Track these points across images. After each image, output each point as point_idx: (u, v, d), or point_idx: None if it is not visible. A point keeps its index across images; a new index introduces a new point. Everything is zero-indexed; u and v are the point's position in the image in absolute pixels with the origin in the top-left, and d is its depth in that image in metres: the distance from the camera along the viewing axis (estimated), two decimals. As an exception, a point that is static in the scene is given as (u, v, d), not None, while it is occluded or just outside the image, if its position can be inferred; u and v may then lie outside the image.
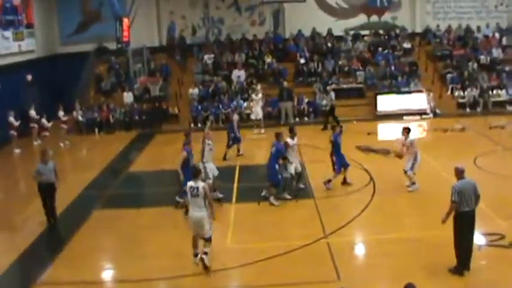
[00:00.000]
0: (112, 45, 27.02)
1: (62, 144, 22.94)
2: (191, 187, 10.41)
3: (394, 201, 13.85)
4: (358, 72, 27.40)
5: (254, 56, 28.68)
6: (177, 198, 13.97)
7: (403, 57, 28.12)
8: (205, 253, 10.41)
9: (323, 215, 13.04)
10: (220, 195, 14.35)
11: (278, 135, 14.00)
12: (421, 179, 14.53)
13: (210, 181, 13.74)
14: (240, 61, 28.14)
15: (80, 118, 25.71)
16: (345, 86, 26.81)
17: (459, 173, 9.84)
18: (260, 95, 23.64)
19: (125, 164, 19.51)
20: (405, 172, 14.15)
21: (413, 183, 14.11)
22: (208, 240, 10.49)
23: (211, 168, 14.20)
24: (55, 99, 24.86)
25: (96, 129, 25.57)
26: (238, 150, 18.81)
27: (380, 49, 28.64)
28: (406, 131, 14.01)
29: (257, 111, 23.00)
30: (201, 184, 10.43)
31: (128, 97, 26.55)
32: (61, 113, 23.70)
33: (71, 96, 26.33)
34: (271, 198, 13.80)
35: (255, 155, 18.81)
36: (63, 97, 25.54)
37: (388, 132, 22.87)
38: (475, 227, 9.96)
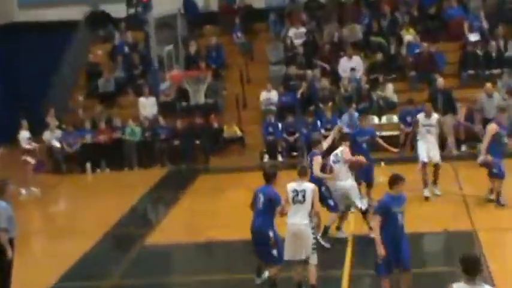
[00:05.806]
0: (117, 11, 27.31)
1: (23, 192, 22.21)
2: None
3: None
4: None
5: (381, 30, 26.81)
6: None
7: None
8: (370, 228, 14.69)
9: None
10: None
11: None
12: None
13: None
14: (354, 39, 26.65)
15: (57, 143, 25.22)
16: None
17: None
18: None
19: (140, 230, 19.29)
20: None
21: None
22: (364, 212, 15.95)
23: None
24: (12, 106, 26.12)
25: (88, 164, 25.17)
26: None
27: None
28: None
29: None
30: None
31: (147, 106, 26.17)
32: (24, 134, 22.71)
33: (39, 101, 26.05)
34: None
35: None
36: (23, 101, 26.31)
37: None
38: None
